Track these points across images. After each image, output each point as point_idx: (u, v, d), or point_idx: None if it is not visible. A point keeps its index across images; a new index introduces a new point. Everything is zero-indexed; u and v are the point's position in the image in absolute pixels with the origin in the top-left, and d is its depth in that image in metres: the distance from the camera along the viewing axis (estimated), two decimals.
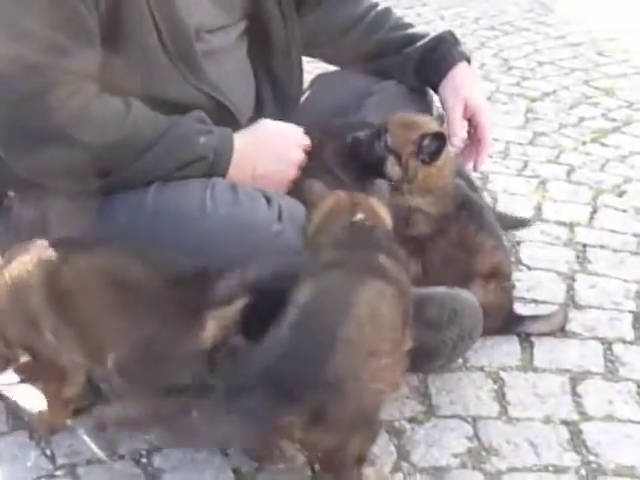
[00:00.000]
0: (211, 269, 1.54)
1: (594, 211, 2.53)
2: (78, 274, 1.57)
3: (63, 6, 1.62)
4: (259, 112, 2.08)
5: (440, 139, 1.79)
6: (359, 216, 1.58)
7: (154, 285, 1.53)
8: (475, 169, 2.13)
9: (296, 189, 1.82)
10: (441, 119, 1.96)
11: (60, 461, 1.59)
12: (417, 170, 1.81)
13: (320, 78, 2.25)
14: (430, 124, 1.88)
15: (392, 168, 1.84)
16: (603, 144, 3.00)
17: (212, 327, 1.50)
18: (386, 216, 1.64)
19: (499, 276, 1.90)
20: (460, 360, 1.85)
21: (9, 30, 1.62)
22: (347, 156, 1.91)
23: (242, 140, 1.80)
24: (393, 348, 1.48)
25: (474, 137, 2.08)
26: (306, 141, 1.87)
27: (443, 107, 2.09)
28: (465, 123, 2.07)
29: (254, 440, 1.43)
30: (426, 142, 1.79)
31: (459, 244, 1.86)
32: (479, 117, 2.07)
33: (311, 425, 1.36)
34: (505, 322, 1.92)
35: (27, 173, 1.76)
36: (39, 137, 1.68)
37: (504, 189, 2.59)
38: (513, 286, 2.01)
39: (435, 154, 1.80)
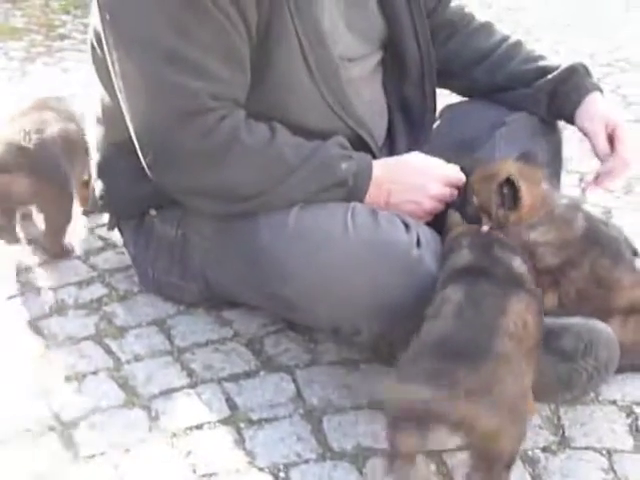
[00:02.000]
0: None
1: None
2: None
3: (219, 35, 1.71)
4: (391, 142, 2.14)
5: (510, 184, 1.79)
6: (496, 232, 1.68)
7: None
8: (609, 188, 2.13)
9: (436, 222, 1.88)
10: (533, 157, 1.95)
11: (200, 471, 1.65)
12: (507, 218, 1.82)
13: (449, 108, 2.28)
14: (506, 169, 1.84)
15: (487, 224, 1.83)
16: None
17: None
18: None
19: (639, 313, 1.88)
20: (592, 393, 1.85)
21: (165, 56, 1.71)
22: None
23: (380, 168, 1.85)
24: (531, 359, 1.55)
25: (615, 154, 2.08)
26: (453, 177, 1.90)
27: (584, 134, 2.10)
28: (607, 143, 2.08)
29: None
30: (506, 190, 1.80)
31: (594, 279, 1.85)
32: (618, 133, 2.07)
33: (477, 396, 1.41)
34: None
35: (173, 193, 1.85)
36: (188, 159, 1.77)
37: (628, 225, 2.57)
38: None
39: (516, 199, 1.80)
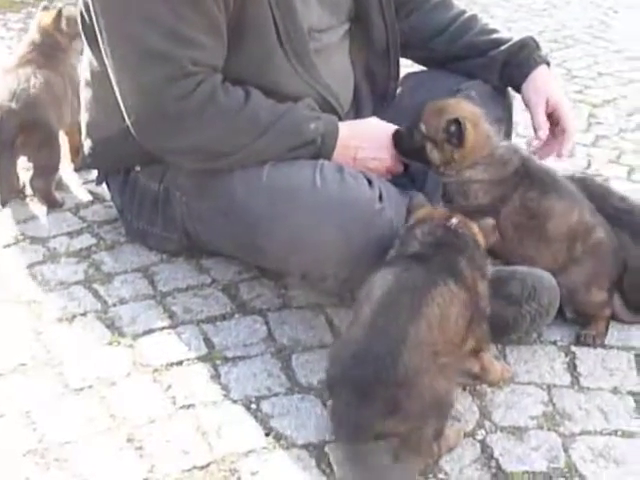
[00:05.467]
0: None
1: None
2: None
3: (199, 6, 1.66)
4: (356, 107, 2.10)
5: (457, 123, 1.74)
6: (454, 221, 1.58)
7: None
8: (560, 156, 2.08)
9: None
10: (471, 99, 1.89)
11: (179, 403, 1.63)
12: (452, 153, 1.77)
13: (410, 77, 2.24)
14: (457, 108, 1.81)
15: (431, 153, 1.79)
16: None
17: None
18: (479, 233, 1.62)
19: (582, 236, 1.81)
20: (535, 334, 1.84)
21: (149, 25, 1.66)
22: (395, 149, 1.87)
23: (346, 128, 1.82)
24: (453, 349, 1.49)
25: (557, 129, 2.06)
26: None
27: (526, 105, 2.07)
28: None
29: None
30: (452, 128, 1.75)
31: (525, 211, 1.78)
32: (561, 111, 2.04)
33: (388, 416, 1.40)
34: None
35: (155, 151, 1.80)
36: (169, 120, 1.71)
37: None
38: None
39: (462, 137, 1.75)
